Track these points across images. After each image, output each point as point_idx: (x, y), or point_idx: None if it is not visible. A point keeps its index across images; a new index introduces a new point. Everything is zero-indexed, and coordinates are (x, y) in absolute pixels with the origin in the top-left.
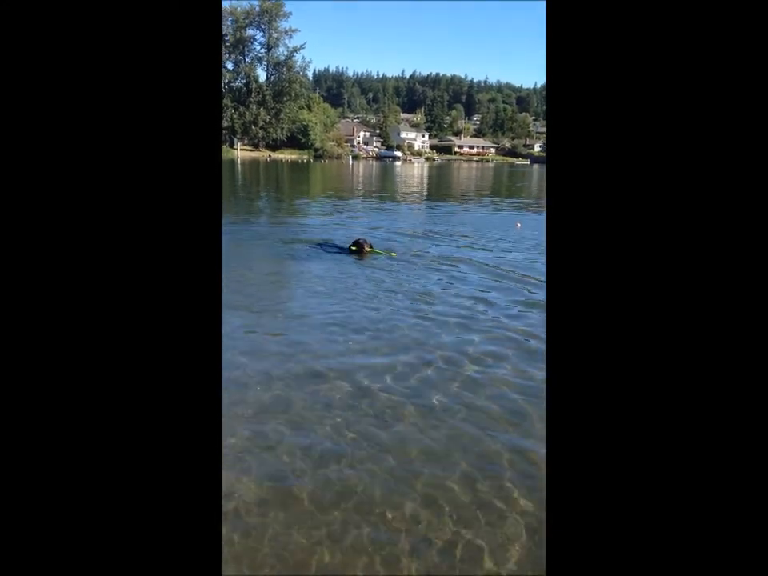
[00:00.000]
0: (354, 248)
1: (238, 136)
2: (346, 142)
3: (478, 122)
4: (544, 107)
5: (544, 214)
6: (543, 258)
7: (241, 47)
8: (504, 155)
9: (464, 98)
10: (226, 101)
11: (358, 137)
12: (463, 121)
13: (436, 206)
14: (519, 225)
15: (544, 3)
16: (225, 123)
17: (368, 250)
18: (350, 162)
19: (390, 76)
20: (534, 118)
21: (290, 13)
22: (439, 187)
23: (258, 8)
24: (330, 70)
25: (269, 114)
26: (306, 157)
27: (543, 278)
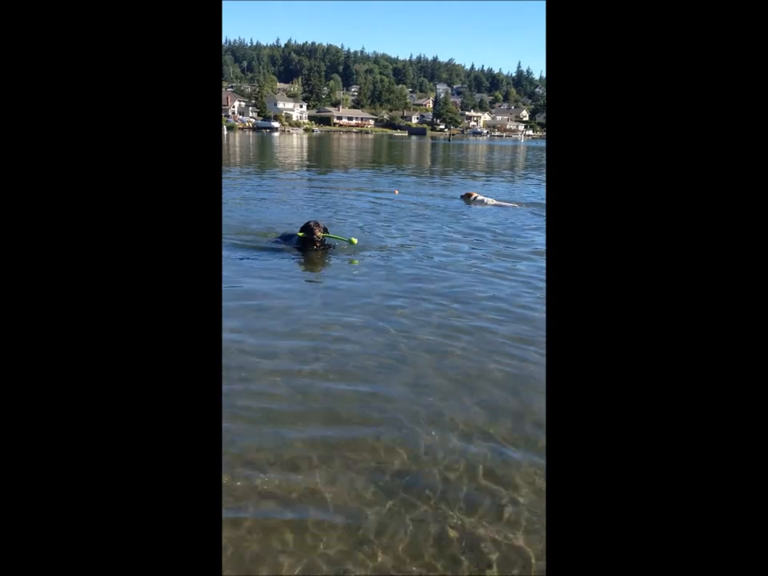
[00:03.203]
0: (302, 234)
1: None
2: None
3: (356, 93)
4: (420, 79)
5: (418, 179)
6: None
7: None
8: (383, 127)
9: (341, 68)
10: None
11: (233, 107)
12: (341, 92)
13: (322, 175)
14: (397, 192)
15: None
16: None
17: (321, 235)
18: (225, 132)
19: (265, 44)
20: (410, 89)
21: None
22: (321, 158)
23: None
24: None
25: None
26: None
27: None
